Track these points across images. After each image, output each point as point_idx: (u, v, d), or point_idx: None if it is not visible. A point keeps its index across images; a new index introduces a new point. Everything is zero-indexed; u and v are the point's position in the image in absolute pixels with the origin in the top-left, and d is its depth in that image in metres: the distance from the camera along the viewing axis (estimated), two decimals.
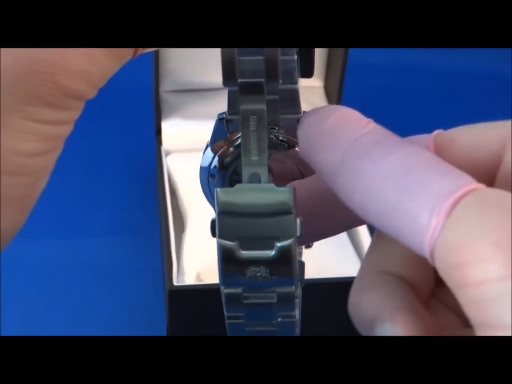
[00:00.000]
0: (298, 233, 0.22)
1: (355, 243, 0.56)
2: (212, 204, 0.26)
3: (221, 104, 0.27)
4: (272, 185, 0.22)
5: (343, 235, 0.56)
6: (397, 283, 0.23)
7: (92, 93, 0.23)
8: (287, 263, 0.22)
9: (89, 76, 0.22)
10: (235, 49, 0.22)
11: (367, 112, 0.23)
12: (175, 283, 0.51)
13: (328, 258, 0.54)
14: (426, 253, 0.19)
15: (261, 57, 0.22)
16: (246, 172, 0.22)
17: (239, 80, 0.22)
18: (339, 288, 0.52)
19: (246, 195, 0.22)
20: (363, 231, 0.56)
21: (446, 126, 0.25)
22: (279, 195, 0.21)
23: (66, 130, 0.23)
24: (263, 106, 0.22)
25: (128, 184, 0.70)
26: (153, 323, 0.56)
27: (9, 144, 0.21)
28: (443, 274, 0.19)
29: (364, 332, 0.23)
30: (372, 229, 0.55)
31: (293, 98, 0.25)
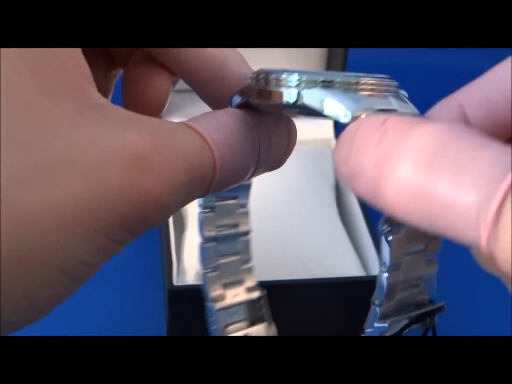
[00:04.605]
0: None
1: (355, 243, 0.56)
2: None
3: None
4: None
5: (343, 235, 0.56)
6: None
7: None
8: None
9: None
10: None
11: None
12: (175, 283, 0.51)
13: (328, 258, 0.54)
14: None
15: None
16: None
17: None
18: (339, 288, 0.52)
19: None
20: (363, 231, 0.56)
21: None
22: None
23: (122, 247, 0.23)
24: None
25: None
26: (153, 323, 0.55)
27: (79, 254, 0.20)
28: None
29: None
30: (372, 229, 0.55)
31: None
